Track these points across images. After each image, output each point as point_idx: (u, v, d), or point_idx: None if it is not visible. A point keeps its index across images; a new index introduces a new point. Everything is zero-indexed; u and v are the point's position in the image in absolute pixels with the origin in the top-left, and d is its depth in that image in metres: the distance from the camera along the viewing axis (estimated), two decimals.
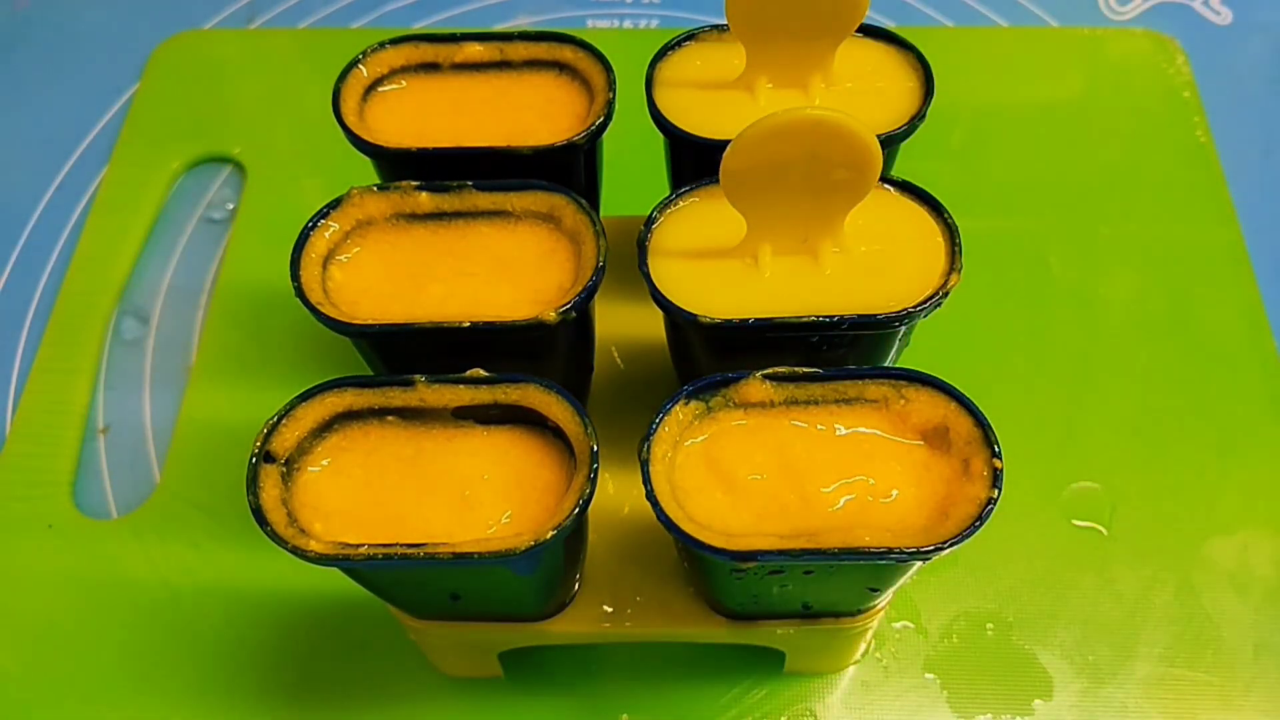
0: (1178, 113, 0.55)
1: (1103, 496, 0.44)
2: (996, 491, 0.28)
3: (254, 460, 0.28)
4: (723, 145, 0.29)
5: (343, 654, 0.40)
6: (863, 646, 0.39)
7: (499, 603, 0.33)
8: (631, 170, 0.43)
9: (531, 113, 0.36)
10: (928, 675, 0.40)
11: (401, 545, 0.27)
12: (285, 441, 0.29)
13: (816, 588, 0.31)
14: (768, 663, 0.40)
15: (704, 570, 0.31)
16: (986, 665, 0.40)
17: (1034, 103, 0.56)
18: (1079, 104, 0.56)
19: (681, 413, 0.29)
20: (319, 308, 0.31)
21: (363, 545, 0.27)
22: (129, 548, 0.43)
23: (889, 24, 0.56)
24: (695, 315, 0.31)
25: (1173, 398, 0.46)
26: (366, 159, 0.36)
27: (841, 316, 0.30)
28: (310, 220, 0.33)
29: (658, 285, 0.31)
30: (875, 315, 0.30)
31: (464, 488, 0.29)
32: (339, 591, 0.41)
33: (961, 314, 0.48)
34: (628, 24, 0.60)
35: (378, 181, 0.35)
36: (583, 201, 0.33)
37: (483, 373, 0.30)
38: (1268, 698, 0.39)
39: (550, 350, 0.33)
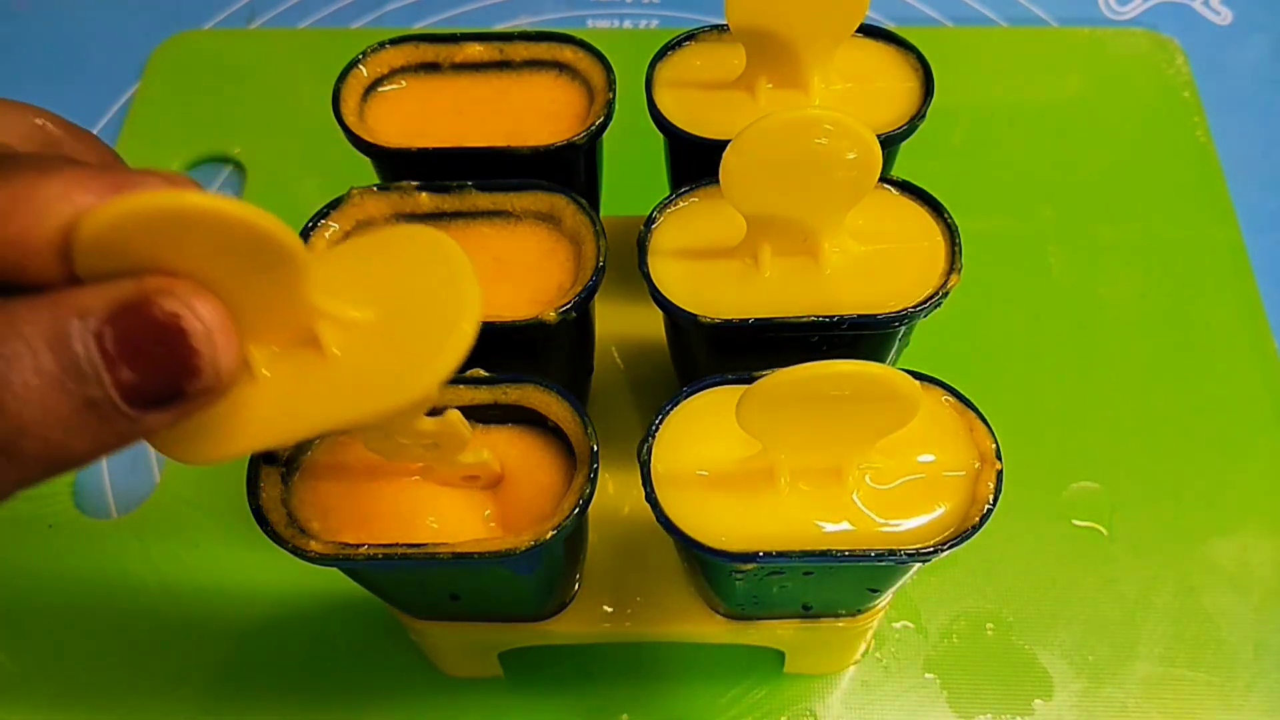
0: (1178, 113, 0.55)
1: (1103, 496, 0.44)
2: (997, 493, 0.28)
3: (254, 460, 0.28)
4: (723, 145, 0.29)
5: (343, 654, 0.40)
6: (863, 646, 0.39)
7: (499, 603, 0.33)
8: (631, 170, 0.43)
9: (531, 113, 0.36)
10: (928, 675, 0.40)
11: (401, 545, 0.27)
12: None
13: (816, 588, 0.31)
14: (768, 663, 0.40)
15: (704, 571, 0.31)
16: (986, 665, 0.40)
17: (1034, 103, 0.56)
18: (1079, 104, 0.55)
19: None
20: None
21: (363, 545, 0.27)
22: (129, 548, 0.43)
23: (889, 24, 0.56)
24: (695, 315, 0.31)
25: (1173, 398, 0.46)
26: (366, 159, 0.36)
27: (841, 316, 0.30)
28: (310, 220, 0.33)
29: (658, 285, 0.31)
30: (875, 315, 0.30)
31: None
32: (339, 591, 0.41)
33: (961, 314, 0.48)
34: (628, 24, 0.60)
35: (378, 181, 0.35)
36: (583, 201, 0.33)
37: (483, 373, 0.30)
38: (1268, 698, 0.39)
39: (550, 350, 0.33)
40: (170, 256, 0.19)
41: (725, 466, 0.28)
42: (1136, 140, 0.54)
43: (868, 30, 0.37)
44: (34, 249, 0.18)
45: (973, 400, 0.29)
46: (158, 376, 0.18)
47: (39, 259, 0.18)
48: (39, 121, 0.23)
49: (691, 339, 0.33)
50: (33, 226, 0.17)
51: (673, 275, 0.32)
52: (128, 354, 0.18)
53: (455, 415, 0.26)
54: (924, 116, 0.35)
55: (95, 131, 0.58)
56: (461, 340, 0.22)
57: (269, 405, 0.22)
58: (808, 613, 0.34)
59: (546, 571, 0.31)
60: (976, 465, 0.28)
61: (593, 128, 0.34)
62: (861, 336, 0.31)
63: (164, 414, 0.19)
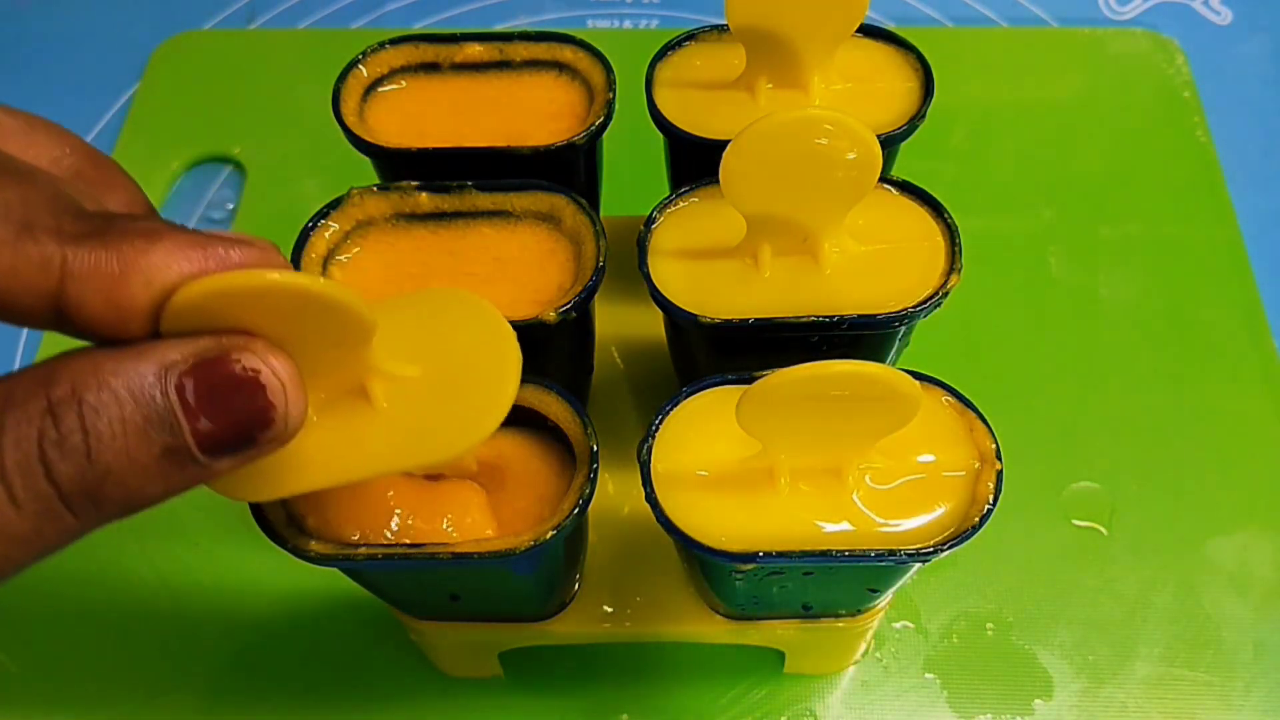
0: (1178, 113, 0.55)
1: (1103, 496, 0.44)
2: (997, 493, 0.28)
3: None
4: (723, 145, 0.29)
5: (343, 654, 0.40)
6: (863, 646, 0.39)
7: (499, 603, 0.33)
8: (631, 170, 0.43)
9: (531, 113, 0.36)
10: (928, 675, 0.40)
11: (401, 545, 0.27)
12: None
13: (816, 588, 0.31)
14: (768, 663, 0.40)
15: (704, 571, 0.31)
16: (986, 665, 0.40)
17: (1034, 102, 0.56)
18: (1079, 104, 0.56)
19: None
20: None
21: (362, 546, 0.27)
22: (129, 548, 0.43)
23: (889, 24, 0.56)
24: (695, 315, 0.31)
25: (1172, 397, 0.46)
26: (366, 159, 0.36)
27: (841, 316, 0.30)
28: (310, 220, 0.33)
29: (658, 285, 0.31)
30: (875, 315, 0.30)
31: None
32: (339, 591, 0.41)
33: (961, 314, 0.48)
34: (628, 24, 0.60)
35: (378, 181, 0.35)
36: (583, 202, 0.33)
37: None
38: (1268, 698, 0.39)
39: (550, 350, 0.33)
40: (250, 319, 0.20)
41: (725, 466, 0.28)
42: (1136, 140, 0.54)
43: (868, 30, 0.37)
44: (133, 312, 0.19)
45: (973, 400, 0.29)
46: (233, 427, 0.20)
47: (135, 321, 0.19)
48: (67, 149, 0.24)
49: (691, 339, 0.33)
50: (139, 293, 0.19)
51: (673, 275, 0.32)
52: (206, 405, 0.19)
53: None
54: (924, 116, 0.35)
55: (95, 132, 0.58)
56: (504, 403, 0.24)
57: (317, 450, 0.24)
58: (808, 613, 0.34)
59: (546, 572, 0.31)
60: (976, 465, 0.28)
61: (593, 128, 0.34)
62: (861, 336, 0.31)
63: (233, 460, 0.20)
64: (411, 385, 0.24)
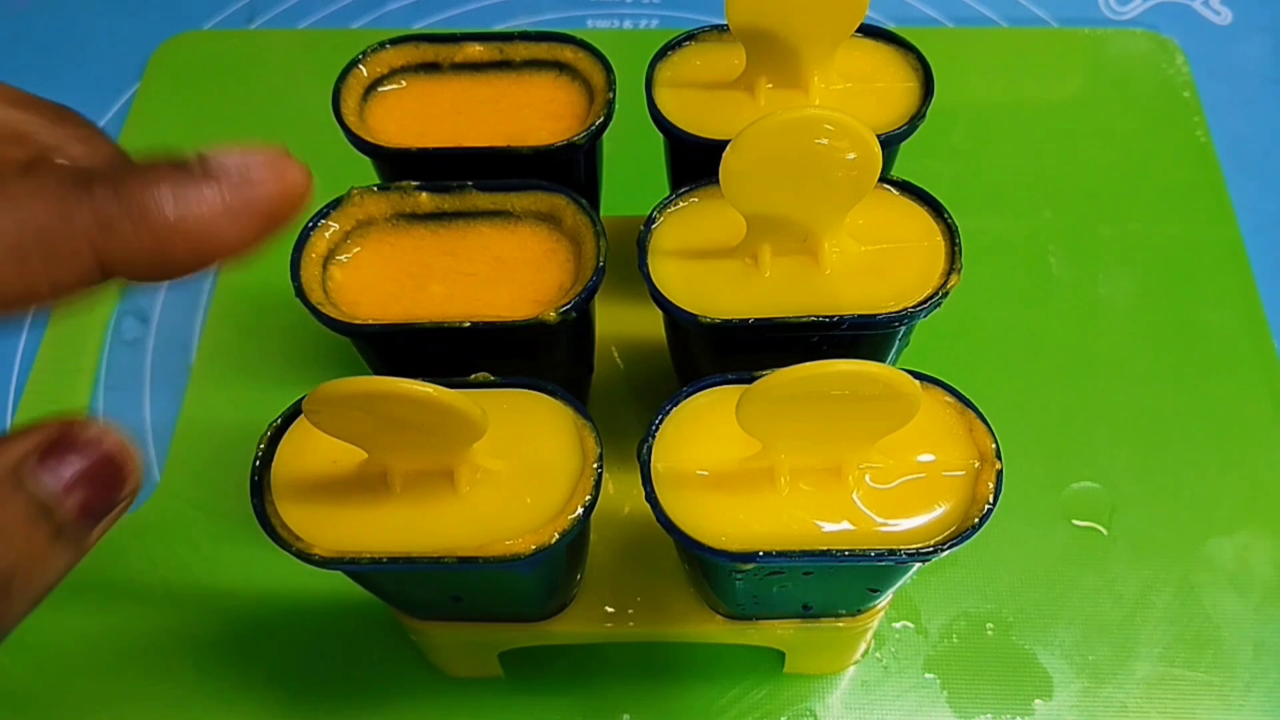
0: (1178, 112, 0.55)
1: (1103, 496, 0.44)
2: (997, 493, 0.28)
3: (257, 464, 0.28)
4: (723, 145, 0.29)
5: (343, 654, 0.40)
6: (863, 646, 0.39)
7: (501, 604, 0.33)
8: (631, 170, 0.43)
9: (531, 113, 0.36)
10: (928, 675, 0.40)
11: (405, 552, 0.27)
12: None
13: (816, 588, 0.31)
14: (768, 663, 0.40)
15: (704, 571, 0.31)
16: (986, 665, 0.40)
17: (1034, 102, 0.56)
18: (1079, 104, 0.56)
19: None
20: (319, 308, 0.31)
21: (365, 551, 0.27)
22: (129, 548, 0.43)
23: (889, 24, 0.56)
24: (695, 315, 0.31)
25: (1173, 398, 0.46)
26: (366, 159, 0.36)
27: (841, 316, 0.30)
28: (310, 220, 0.33)
29: (658, 285, 0.31)
30: (875, 315, 0.30)
31: None
32: (339, 592, 0.41)
33: (961, 314, 0.48)
34: (628, 24, 0.60)
35: (378, 181, 0.35)
36: (583, 202, 0.33)
37: (489, 376, 0.30)
38: (1268, 698, 0.39)
39: (550, 350, 0.33)
40: (382, 409, 0.23)
41: (725, 466, 0.28)
42: (1136, 140, 0.54)
43: (868, 30, 0.37)
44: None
45: (973, 400, 0.29)
46: (99, 491, 0.22)
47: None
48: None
49: (691, 339, 0.33)
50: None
51: (673, 275, 0.32)
52: (71, 483, 0.21)
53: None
54: (924, 116, 0.35)
55: None
56: (571, 517, 0.27)
57: (394, 519, 0.27)
58: (808, 613, 0.34)
59: (549, 574, 0.31)
60: (976, 465, 0.28)
61: (593, 128, 0.34)
62: (861, 336, 0.31)
63: (106, 522, 0.22)
64: (494, 478, 0.28)
